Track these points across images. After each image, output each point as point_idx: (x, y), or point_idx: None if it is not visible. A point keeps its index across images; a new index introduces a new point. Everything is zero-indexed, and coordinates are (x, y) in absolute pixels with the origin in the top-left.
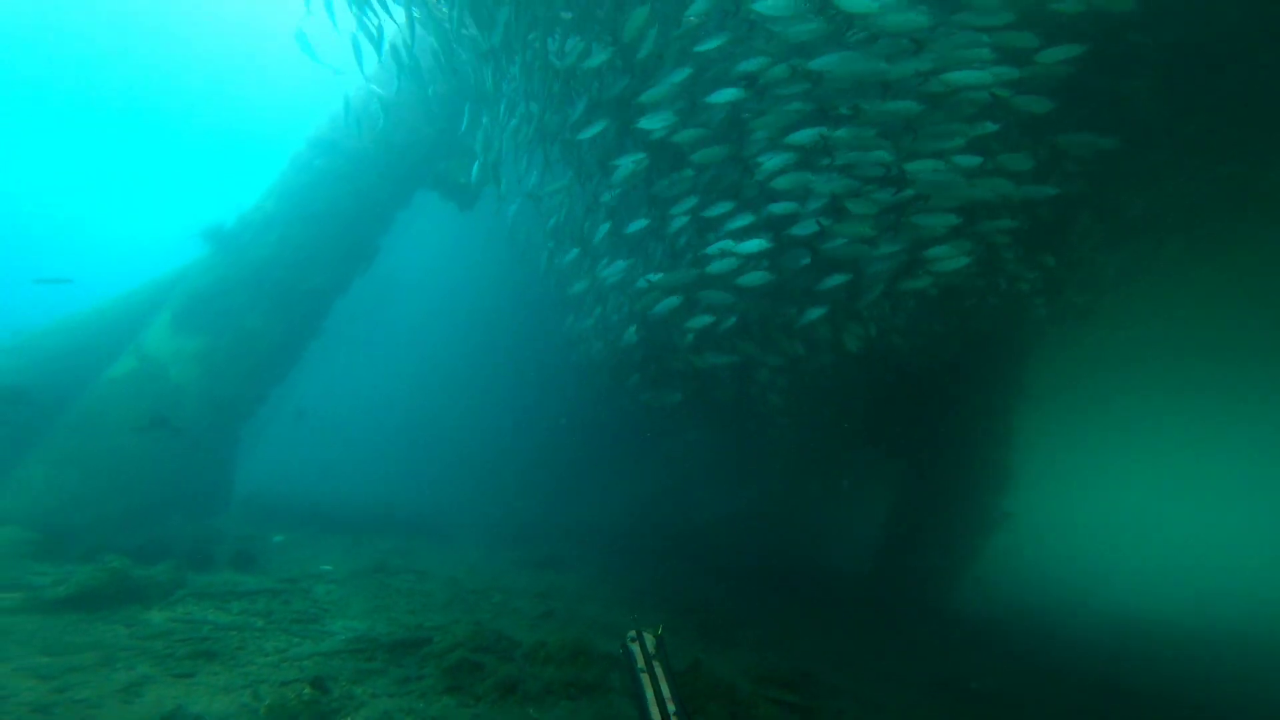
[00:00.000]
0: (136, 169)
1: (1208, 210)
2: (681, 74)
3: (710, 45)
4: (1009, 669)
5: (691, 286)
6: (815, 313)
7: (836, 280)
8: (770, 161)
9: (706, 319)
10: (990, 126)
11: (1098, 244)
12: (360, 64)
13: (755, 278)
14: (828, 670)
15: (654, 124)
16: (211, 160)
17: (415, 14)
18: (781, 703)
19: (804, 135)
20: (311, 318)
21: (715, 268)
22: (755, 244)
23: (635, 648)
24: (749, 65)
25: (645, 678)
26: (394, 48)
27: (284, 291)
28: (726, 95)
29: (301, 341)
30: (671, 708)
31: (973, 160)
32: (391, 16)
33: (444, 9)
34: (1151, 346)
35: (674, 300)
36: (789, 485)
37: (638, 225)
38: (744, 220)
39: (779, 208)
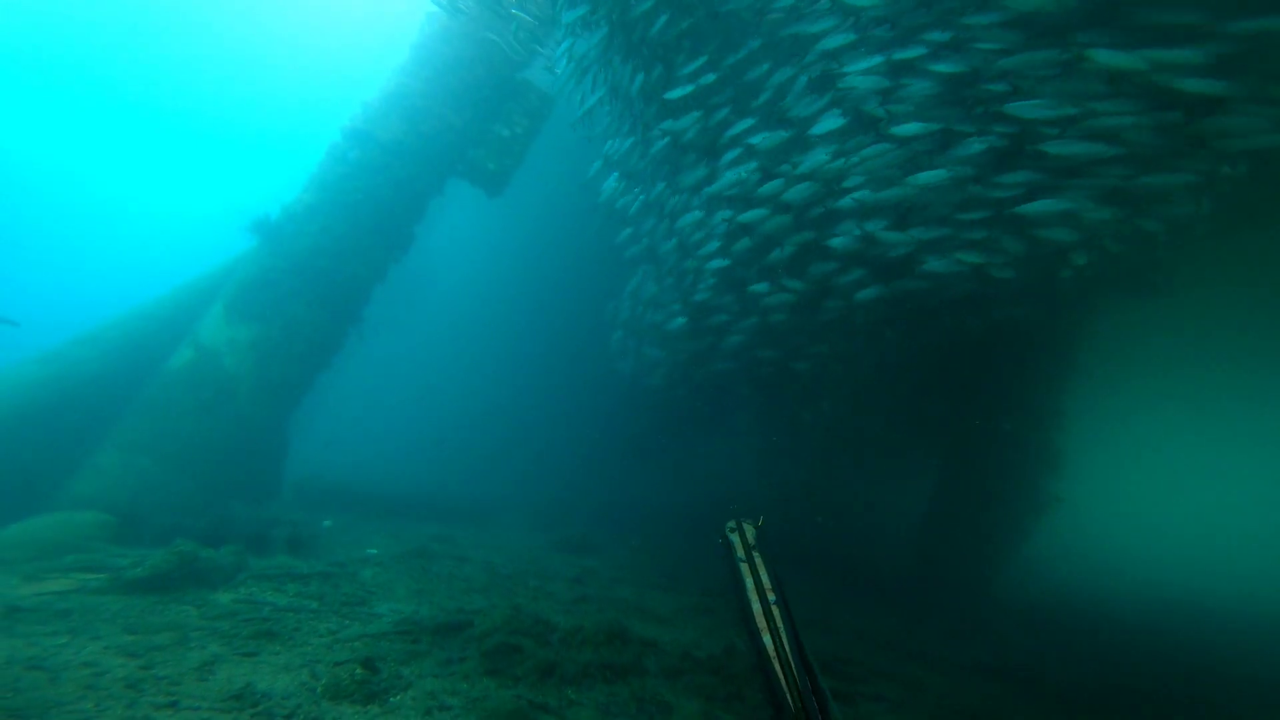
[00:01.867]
0: (178, 155)
1: None
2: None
3: None
4: (1055, 653)
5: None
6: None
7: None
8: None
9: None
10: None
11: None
12: None
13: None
14: (869, 652)
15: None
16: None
17: None
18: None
19: None
20: (352, 305)
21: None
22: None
23: (735, 538)
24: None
25: (744, 567)
26: (425, 37)
27: (326, 280)
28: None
29: (343, 329)
30: (771, 596)
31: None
32: None
33: None
34: (1214, 318)
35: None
36: (831, 467)
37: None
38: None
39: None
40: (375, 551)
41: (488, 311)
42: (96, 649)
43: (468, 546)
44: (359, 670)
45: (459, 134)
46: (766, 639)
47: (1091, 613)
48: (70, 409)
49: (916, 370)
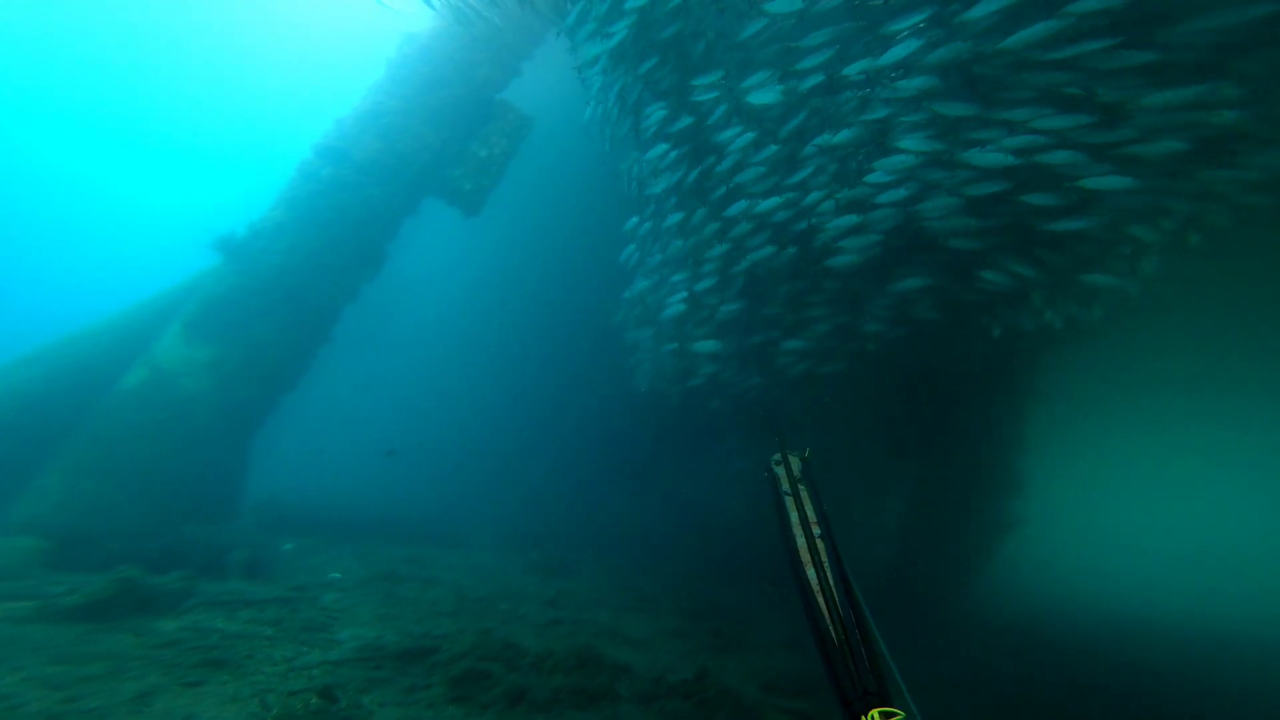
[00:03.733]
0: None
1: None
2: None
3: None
4: (1019, 672)
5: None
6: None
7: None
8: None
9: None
10: None
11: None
12: None
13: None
14: None
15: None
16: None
17: None
18: (789, 711)
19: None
20: (321, 325)
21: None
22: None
23: (780, 470)
24: None
25: (789, 500)
26: (402, 57)
27: (294, 299)
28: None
29: (311, 349)
30: (817, 530)
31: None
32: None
33: None
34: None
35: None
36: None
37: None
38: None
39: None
40: (339, 575)
41: (464, 331)
42: (14, 681)
43: (438, 569)
44: (315, 699)
45: (435, 153)
46: (811, 573)
47: (1055, 633)
48: (12, 432)
49: (889, 394)
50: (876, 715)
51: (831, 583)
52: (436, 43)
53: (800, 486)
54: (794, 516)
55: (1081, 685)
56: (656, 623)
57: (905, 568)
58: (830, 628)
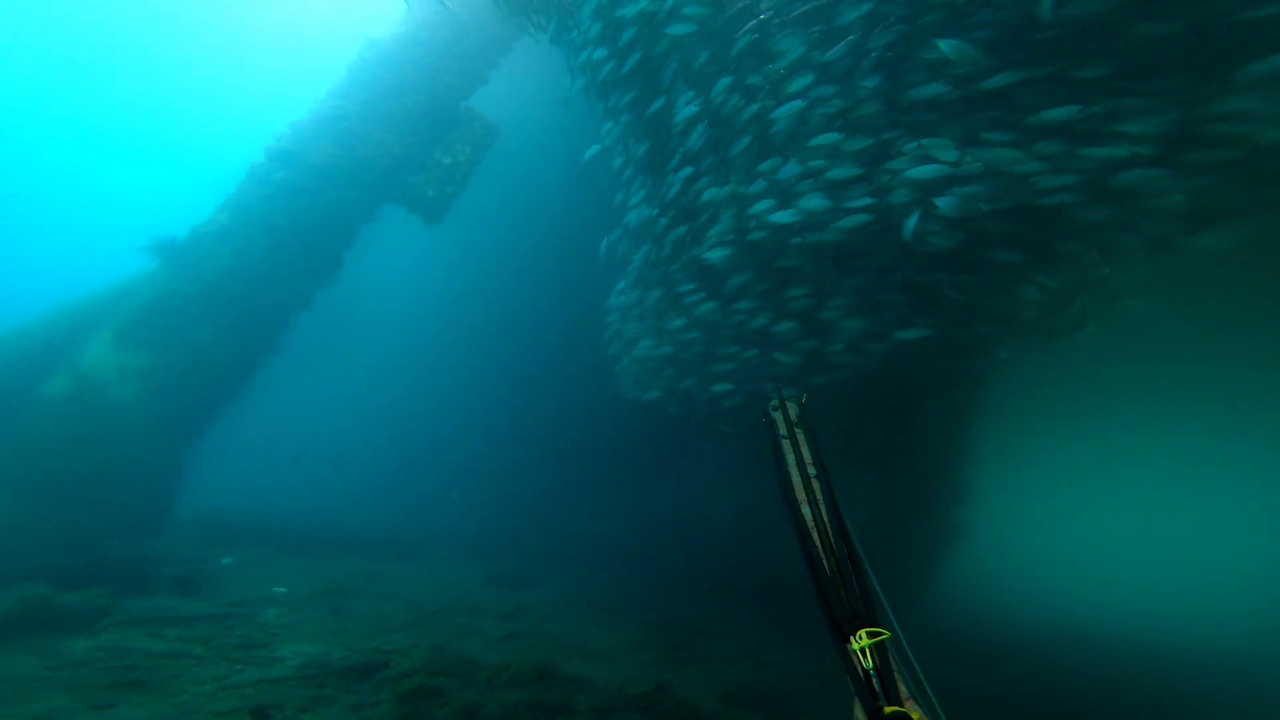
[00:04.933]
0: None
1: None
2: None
3: None
4: (960, 677)
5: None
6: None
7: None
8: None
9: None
10: None
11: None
12: None
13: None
14: (801, 682)
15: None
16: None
17: None
18: None
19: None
20: (269, 333)
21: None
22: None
23: (778, 415)
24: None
25: (787, 443)
26: (363, 62)
27: (240, 306)
28: None
29: (258, 357)
30: (812, 470)
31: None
32: None
33: None
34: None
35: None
36: (762, 500)
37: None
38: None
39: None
40: (284, 590)
41: (423, 338)
42: None
43: (392, 582)
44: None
45: (397, 159)
46: (805, 510)
47: (1002, 642)
48: None
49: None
50: (864, 635)
51: (826, 519)
52: (400, 49)
53: (797, 430)
54: (790, 459)
55: (1022, 690)
56: (617, 635)
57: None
58: (824, 560)
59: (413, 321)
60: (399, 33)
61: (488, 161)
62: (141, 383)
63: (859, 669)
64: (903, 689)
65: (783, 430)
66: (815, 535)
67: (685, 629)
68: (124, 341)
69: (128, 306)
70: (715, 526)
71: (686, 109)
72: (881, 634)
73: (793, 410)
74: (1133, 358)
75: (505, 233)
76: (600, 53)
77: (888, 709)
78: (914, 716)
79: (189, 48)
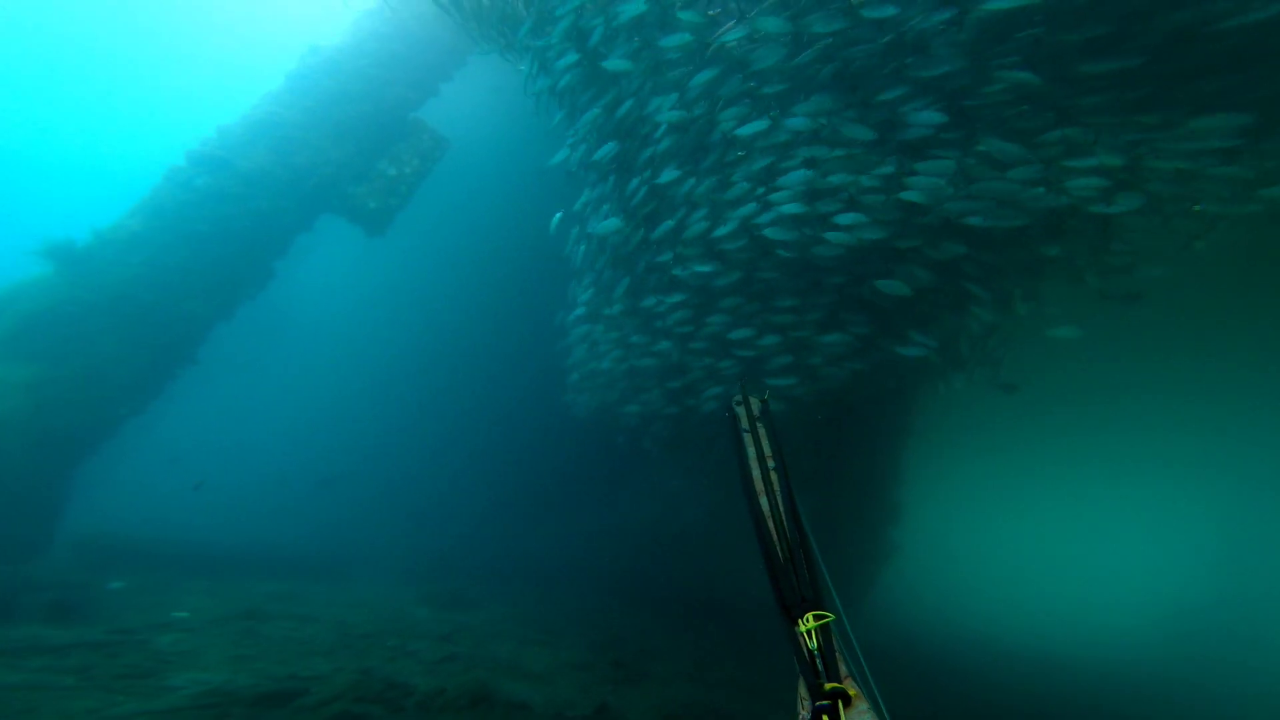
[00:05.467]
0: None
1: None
2: None
3: None
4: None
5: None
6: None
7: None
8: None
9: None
10: None
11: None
12: None
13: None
14: (742, 700)
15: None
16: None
17: None
18: None
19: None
20: (182, 345)
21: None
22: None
23: (740, 409)
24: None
25: (748, 437)
26: (305, 69)
27: (150, 316)
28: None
29: (167, 370)
30: (771, 463)
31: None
32: None
33: None
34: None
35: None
36: (706, 520)
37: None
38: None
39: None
40: (186, 614)
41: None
42: None
43: (317, 604)
44: None
45: (337, 169)
46: (763, 500)
47: (933, 658)
48: None
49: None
50: (810, 618)
51: (781, 510)
52: (345, 58)
53: (759, 425)
54: (751, 451)
55: (941, 699)
56: (559, 655)
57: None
58: (777, 548)
59: (349, 334)
60: (345, 42)
61: (436, 173)
62: (25, 397)
63: (804, 649)
64: (843, 668)
65: (744, 425)
66: (771, 524)
67: (628, 648)
68: (7, 352)
69: (13, 315)
70: (660, 545)
71: (667, 113)
72: (827, 617)
73: (755, 406)
74: (1052, 387)
75: (449, 247)
76: (570, 58)
77: (828, 685)
78: (851, 693)
79: (101, 48)
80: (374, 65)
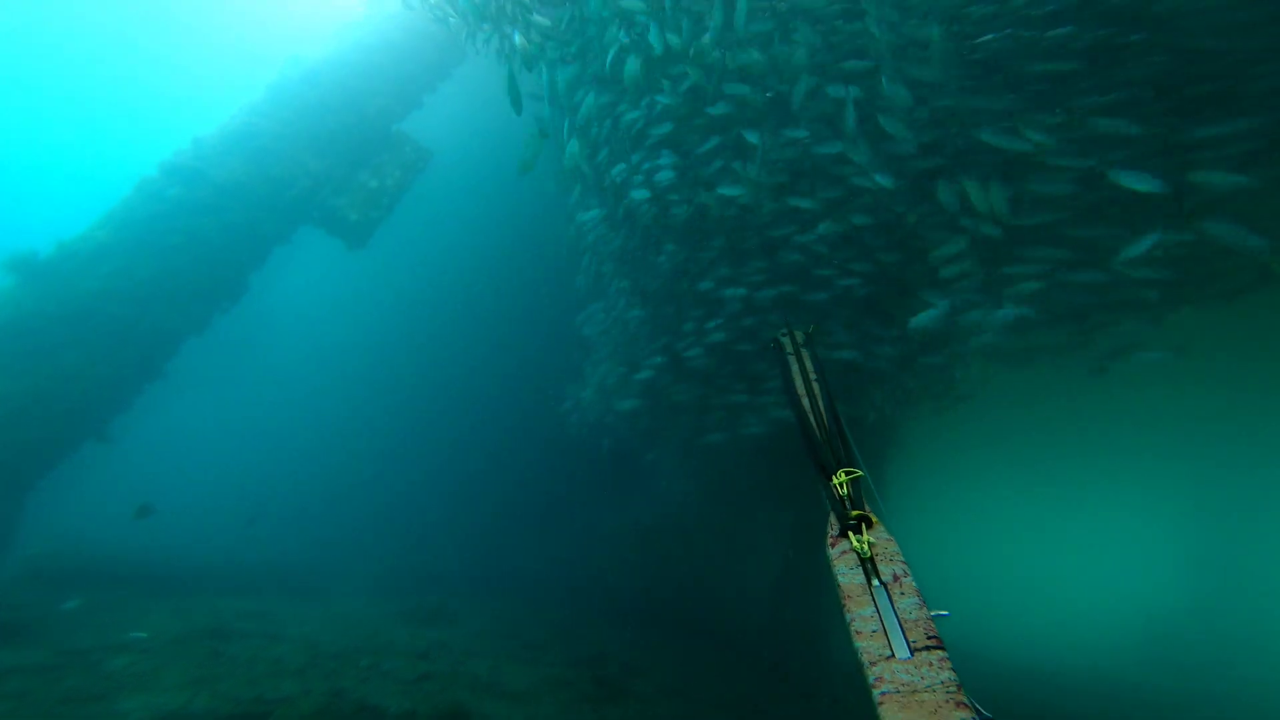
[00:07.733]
0: None
1: None
2: None
3: None
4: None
5: None
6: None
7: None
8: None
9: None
10: None
11: None
12: None
13: None
14: (725, 719)
15: None
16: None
17: None
18: None
19: None
20: (151, 358)
21: None
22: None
23: (785, 339)
24: None
25: (792, 359)
26: (286, 80)
27: (117, 329)
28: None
29: (135, 384)
30: (814, 377)
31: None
32: None
33: None
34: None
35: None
36: (691, 537)
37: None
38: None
39: None
40: (144, 635)
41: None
42: None
43: (286, 622)
44: None
45: (317, 180)
46: (806, 403)
47: None
48: None
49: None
50: (842, 474)
51: (821, 405)
52: (327, 69)
53: (803, 350)
54: (795, 367)
55: None
56: (539, 672)
57: (781, 612)
58: (816, 431)
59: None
60: (328, 53)
61: (418, 185)
62: None
63: (837, 495)
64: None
65: (789, 350)
66: (811, 417)
67: (612, 664)
68: None
69: None
70: (648, 559)
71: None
72: (855, 472)
73: (800, 336)
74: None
75: (431, 259)
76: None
77: (854, 513)
78: (872, 519)
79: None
80: (356, 76)
